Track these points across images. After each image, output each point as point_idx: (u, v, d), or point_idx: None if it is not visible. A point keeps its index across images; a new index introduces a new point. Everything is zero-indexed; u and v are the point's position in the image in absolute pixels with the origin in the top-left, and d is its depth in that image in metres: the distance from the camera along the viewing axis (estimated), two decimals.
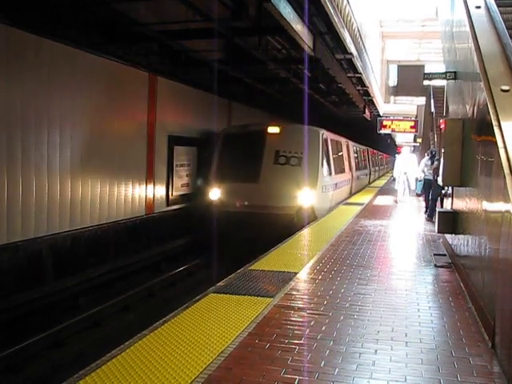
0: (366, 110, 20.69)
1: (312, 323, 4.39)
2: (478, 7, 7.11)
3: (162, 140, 12.78)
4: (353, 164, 18.56)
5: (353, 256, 7.32)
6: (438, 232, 7.39)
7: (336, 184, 13.84)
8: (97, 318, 8.02)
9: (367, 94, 19.03)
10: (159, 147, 12.62)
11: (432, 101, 21.35)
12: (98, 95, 10.09)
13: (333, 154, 13.83)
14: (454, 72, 7.81)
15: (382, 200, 16.63)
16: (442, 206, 11.49)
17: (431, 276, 6.37)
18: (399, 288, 5.66)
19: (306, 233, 9.38)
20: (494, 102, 4.58)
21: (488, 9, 7.01)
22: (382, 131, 22.59)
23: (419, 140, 34.37)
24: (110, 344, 4.49)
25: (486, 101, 4.68)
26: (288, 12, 6.71)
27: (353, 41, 11.95)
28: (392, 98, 45.64)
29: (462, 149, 6.38)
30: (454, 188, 7.34)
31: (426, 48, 38.19)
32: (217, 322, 4.32)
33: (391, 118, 23.92)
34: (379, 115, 24.76)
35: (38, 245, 8.61)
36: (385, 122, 22.29)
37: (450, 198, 7.92)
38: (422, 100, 34.29)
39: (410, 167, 15.54)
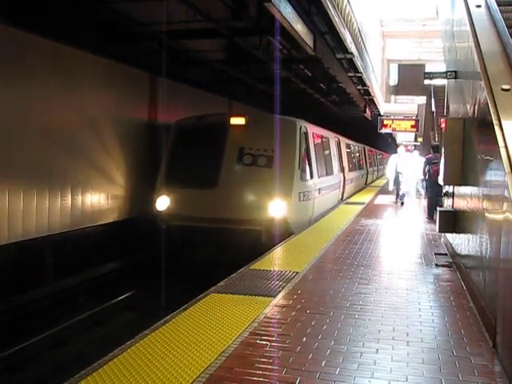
0: (367, 110, 20.67)
1: (313, 323, 4.39)
2: (479, 6, 7.10)
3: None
4: (345, 164, 16.41)
5: (354, 255, 7.32)
6: (439, 231, 7.40)
7: (320, 189, 11.34)
8: None
9: (368, 93, 19.01)
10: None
11: (433, 100, 21.34)
12: None
13: (316, 152, 11.49)
14: (455, 71, 7.81)
15: (382, 199, 16.62)
16: (441, 206, 11.67)
17: (432, 275, 6.37)
18: (400, 287, 5.66)
19: (307, 232, 9.37)
20: (495, 101, 4.57)
21: (488, 8, 7.01)
22: (383, 130, 22.54)
23: (420, 139, 34.37)
24: None
25: (486, 100, 4.68)
26: (288, 12, 6.71)
27: (353, 40, 11.95)
28: (393, 97, 45.59)
29: (462, 148, 6.38)
30: (455, 187, 7.34)
31: (427, 47, 38.13)
32: (218, 321, 4.32)
33: (392, 117, 23.87)
34: (380, 114, 24.72)
35: None
36: (385, 122, 22.23)
37: (450, 198, 7.91)
38: (422, 99, 34.27)
39: (406, 168, 14.61)
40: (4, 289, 7.72)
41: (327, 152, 13.52)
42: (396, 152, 16.92)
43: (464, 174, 6.29)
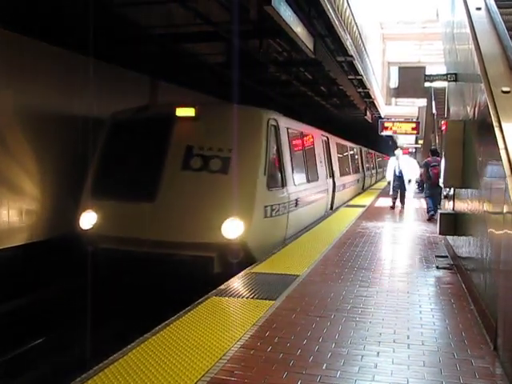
0: (368, 112, 20.69)
1: (314, 325, 4.38)
2: (479, 9, 7.12)
3: None
4: (336, 167, 14.29)
5: (355, 258, 7.31)
6: (440, 234, 7.39)
7: (298, 200, 9.13)
8: None
9: (368, 96, 19.04)
10: None
11: (433, 102, 21.38)
12: None
13: (293, 153, 9.35)
14: (455, 74, 7.81)
15: (383, 202, 16.61)
16: (439, 207, 12.27)
17: (433, 278, 6.36)
18: (401, 290, 5.65)
19: (307, 235, 9.36)
20: (495, 103, 4.58)
21: (488, 10, 7.02)
22: (384, 133, 22.56)
23: (421, 142, 34.41)
24: None
25: (486, 102, 4.68)
26: (288, 15, 6.73)
27: (353, 43, 11.97)
28: (393, 99, 45.67)
29: (463, 150, 6.38)
30: (456, 189, 7.34)
31: (427, 50, 38.20)
32: (219, 325, 4.32)
33: (392, 119, 23.90)
34: (380, 117, 24.76)
35: None
36: (386, 124, 22.25)
37: (451, 200, 7.91)
38: (423, 102, 34.32)
39: (404, 170, 14.38)
40: None
41: (310, 153, 11.34)
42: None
43: (464, 176, 6.29)
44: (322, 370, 3.48)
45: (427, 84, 11.91)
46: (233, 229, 7.02)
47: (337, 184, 13.88)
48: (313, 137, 11.88)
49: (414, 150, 46.33)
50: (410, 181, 14.78)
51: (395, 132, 22.75)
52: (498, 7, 7.19)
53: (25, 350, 6.39)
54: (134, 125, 8.28)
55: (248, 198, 7.33)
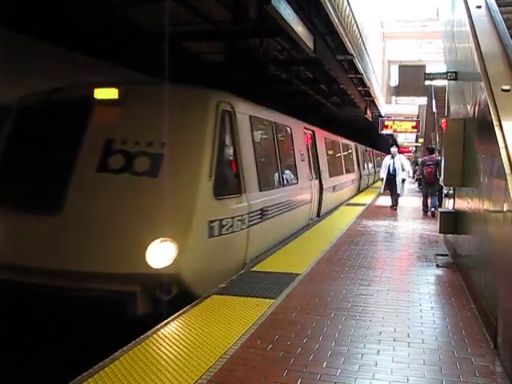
0: (368, 111, 20.67)
1: (314, 324, 4.39)
2: (479, 7, 7.12)
3: None
4: (324, 167, 12.42)
5: (355, 257, 7.31)
6: (440, 232, 7.39)
7: (263, 210, 7.21)
8: None
9: (368, 94, 19.03)
10: None
11: (433, 101, 21.35)
12: None
13: (258, 150, 7.43)
14: (455, 72, 7.81)
15: (384, 200, 16.61)
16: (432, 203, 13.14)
17: (433, 276, 6.36)
18: (401, 289, 5.66)
19: (307, 234, 9.36)
20: (495, 101, 4.58)
21: (488, 8, 7.02)
22: (384, 132, 22.56)
23: (421, 140, 34.39)
24: None
25: (486, 100, 4.68)
26: (288, 14, 6.72)
27: (353, 42, 11.96)
28: (393, 98, 45.66)
29: (463, 149, 6.38)
30: (456, 188, 7.34)
31: (427, 48, 38.19)
32: (219, 323, 4.33)
33: (393, 118, 23.90)
34: (381, 116, 24.74)
35: None
36: (386, 123, 22.26)
37: (451, 199, 7.91)
38: (423, 100, 34.31)
39: (398, 169, 14.08)
40: None
41: (286, 150, 9.57)
42: (400, 153, 16.25)
43: (464, 174, 6.29)
44: (322, 369, 3.48)
45: (427, 82, 11.88)
46: (163, 254, 5.18)
47: (325, 186, 11.98)
48: (291, 129, 9.84)
49: (414, 149, 46.36)
50: (403, 180, 14.46)
51: (395, 130, 22.77)
52: (498, 5, 7.19)
53: None
54: (44, 112, 6.42)
55: (185, 211, 5.48)
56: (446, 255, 7.41)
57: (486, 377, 3.42)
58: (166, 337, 4.00)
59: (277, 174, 8.54)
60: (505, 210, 3.67)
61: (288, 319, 4.51)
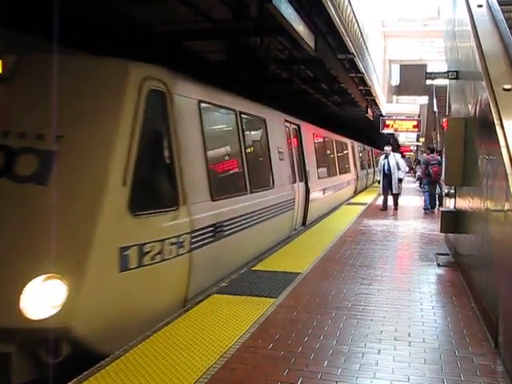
0: (369, 110, 20.64)
1: (315, 323, 4.39)
2: (480, 6, 7.10)
3: None
4: (312, 167, 11.06)
5: (356, 256, 7.31)
6: (441, 231, 7.40)
7: (217, 226, 5.72)
8: None
9: (369, 93, 18.99)
10: None
11: (435, 100, 21.37)
12: None
13: (209, 146, 5.89)
14: (456, 71, 7.80)
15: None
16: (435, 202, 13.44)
17: (434, 275, 6.36)
18: (402, 288, 5.66)
19: (308, 233, 9.36)
20: (496, 100, 4.58)
21: (490, 7, 7.01)
22: (385, 131, 22.54)
23: (422, 139, 34.38)
24: None
25: (487, 100, 4.68)
26: (289, 13, 6.71)
27: (354, 41, 11.95)
28: (394, 97, 45.61)
29: (464, 148, 6.38)
30: (457, 187, 7.34)
31: (429, 47, 38.14)
32: (220, 322, 4.33)
33: (394, 117, 23.88)
34: (382, 115, 24.72)
35: None
36: (387, 122, 22.23)
37: (452, 198, 7.91)
38: (424, 99, 34.30)
39: (393, 168, 13.63)
40: None
41: (255, 147, 8.04)
42: (401, 152, 16.16)
43: (465, 174, 6.29)
44: (323, 368, 3.48)
45: (428, 82, 11.88)
46: (46, 298, 3.71)
47: (313, 189, 10.61)
48: (265, 122, 8.21)
49: (415, 148, 46.35)
50: (400, 180, 13.86)
51: (396, 130, 22.74)
52: (500, 4, 7.17)
53: None
54: None
55: (81, 234, 3.98)
56: (447, 254, 7.40)
57: (486, 376, 3.42)
58: (167, 335, 4.00)
59: (241, 178, 6.87)
60: (506, 209, 3.67)
61: (289, 318, 4.51)
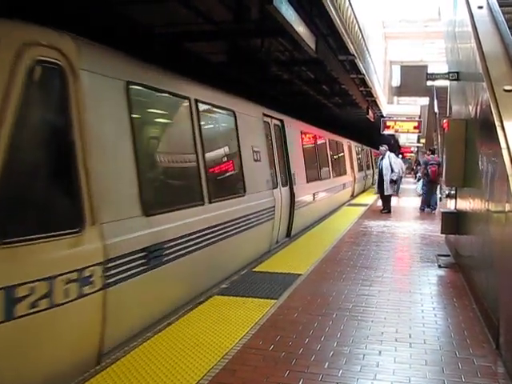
0: (370, 111, 20.64)
1: (316, 324, 4.38)
2: (481, 7, 7.11)
3: None
4: (299, 169, 9.95)
5: (357, 257, 7.31)
6: (442, 232, 7.40)
7: (150, 252, 4.30)
8: None
9: (370, 94, 18.99)
10: None
11: (435, 101, 21.32)
12: None
13: (148, 145, 5.20)
14: (457, 72, 7.80)
15: None
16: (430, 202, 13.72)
17: (435, 277, 6.36)
18: (403, 289, 5.65)
19: (310, 234, 9.36)
20: (497, 101, 4.58)
21: (490, 9, 7.01)
22: (386, 132, 22.54)
23: (423, 141, 34.36)
24: None
25: (488, 101, 4.68)
26: (290, 14, 6.72)
27: (355, 42, 11.95)
28: (395, 98, 45.60)
29: (465, 149, 6.37)
30: (458, 188, 7.33)
31: (429, 48, 38.17)
32: (221, 323, 4.33)
33: (394, 118, 23.88)
34: (382, 116, 24.72)
35: None
36: (388, 123, 22.23)
37: (453, 199, 7.91)
38: (425, 100, 34.25)
39: (385, 169, 13.31)
40: None
41: (217, 144, 6.62)
42: (401, 153, 16.15)
43: (466, 175, 6.28)
44: (324, 369, 3.48)
45: (429, 83, 11.90)
46: None
47: (299, 195, 9.44)
48: (234, 114, 6.88)
49: (416, 149, 46.34)
50: (392, 181, 13.35)
51: (397, 131, 22.74)
52: (500, 6, 7.17)
53: None
54: None
55: None
56: (448, 256, 7.40)
57: (487, 377, 3.42)
58: (167, 337, 4.00)
59: (194, 184, 5.53)
60: (507, 210, 3.67)
61: (290, 319, 4.51)
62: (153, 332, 4.11)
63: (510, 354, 3.49)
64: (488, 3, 7.18)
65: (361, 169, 21.20)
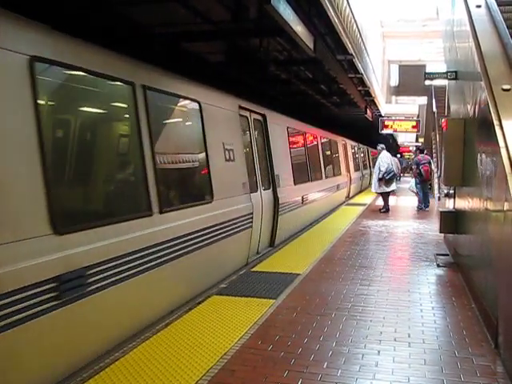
0: (368, 111, 20.64)
1: (314, 324, 4.38)
2: (479, 6, 7.11)
3: None
4: (285, 170, 9.04)
5: (355, 256, 7.31)
6: (441, 232, 7.39)
7: (67, 283, 3.30)
8: None
9: (368, 94, 18.99)
10: None
11: (434, 100, 21.34)
12: None
13: (65, 143, 3.93)
14: (455, 71, 7.80)
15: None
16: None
17: (434, 276, 6.36)
18: (402, 288, 5.65)
19: (308, 234, 9.36)
20: (495, 101, 4.58)
21: (488, 8, 7.01)
22: (384, 131, 22.55)
23: (421, 140, 34.38)
24: None
25: (487, 100, 4.68)
26: (288, 14, 6.71)
27: (353, 41, 11.95)
28: (394, 98, 45.64)
29: (463, 148, 6.38)
30: (456, 188, 7.33)
31: (428, 48, 38.20)
32: (219, 323, 4.32)
33: (393, 118, 23.90)
34: (381, 115, 24.73)
35: None
36: (386, 122, 22.25)
37: (451, 198, 7.91)
38: (423, 100, 34.27)
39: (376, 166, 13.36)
40: None
41: (173, 142, 5.67)
42: (400, 153, 16.28)
43: (465, 174, 6.29)
44: (323, 369, 3.48)
45: (427, 82, 11.89)
46: None
47: (285, 199, 8.47)
48: (199, 105, 5.87)
49: (414, 149, 46.38)
50: (380, 180, 13.24)
51: (395, 130, 22.76)
52: (498, 5, 7.17)
53: None
54: None
55: None
56: (447, 255, 7.40)
57: (486, 376, 3.42)
58: (166, 337, 4.00)
59: (138, 190, 4.57)
60: (505, 209, 3.67)
61: (288, 319, 4.51)
62: (152, 332, 4.10)
63: (508, 353, 3.49)
64: (486, 2, 7.18)
65: (357, 168, 20.64)
